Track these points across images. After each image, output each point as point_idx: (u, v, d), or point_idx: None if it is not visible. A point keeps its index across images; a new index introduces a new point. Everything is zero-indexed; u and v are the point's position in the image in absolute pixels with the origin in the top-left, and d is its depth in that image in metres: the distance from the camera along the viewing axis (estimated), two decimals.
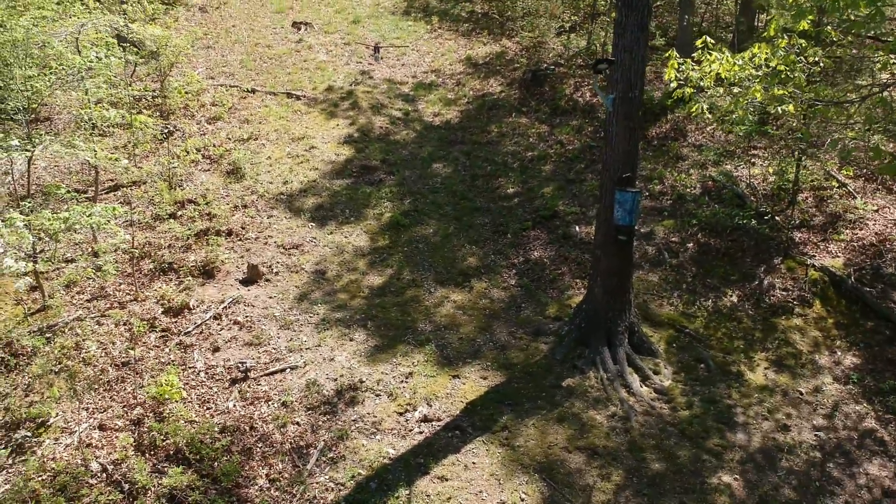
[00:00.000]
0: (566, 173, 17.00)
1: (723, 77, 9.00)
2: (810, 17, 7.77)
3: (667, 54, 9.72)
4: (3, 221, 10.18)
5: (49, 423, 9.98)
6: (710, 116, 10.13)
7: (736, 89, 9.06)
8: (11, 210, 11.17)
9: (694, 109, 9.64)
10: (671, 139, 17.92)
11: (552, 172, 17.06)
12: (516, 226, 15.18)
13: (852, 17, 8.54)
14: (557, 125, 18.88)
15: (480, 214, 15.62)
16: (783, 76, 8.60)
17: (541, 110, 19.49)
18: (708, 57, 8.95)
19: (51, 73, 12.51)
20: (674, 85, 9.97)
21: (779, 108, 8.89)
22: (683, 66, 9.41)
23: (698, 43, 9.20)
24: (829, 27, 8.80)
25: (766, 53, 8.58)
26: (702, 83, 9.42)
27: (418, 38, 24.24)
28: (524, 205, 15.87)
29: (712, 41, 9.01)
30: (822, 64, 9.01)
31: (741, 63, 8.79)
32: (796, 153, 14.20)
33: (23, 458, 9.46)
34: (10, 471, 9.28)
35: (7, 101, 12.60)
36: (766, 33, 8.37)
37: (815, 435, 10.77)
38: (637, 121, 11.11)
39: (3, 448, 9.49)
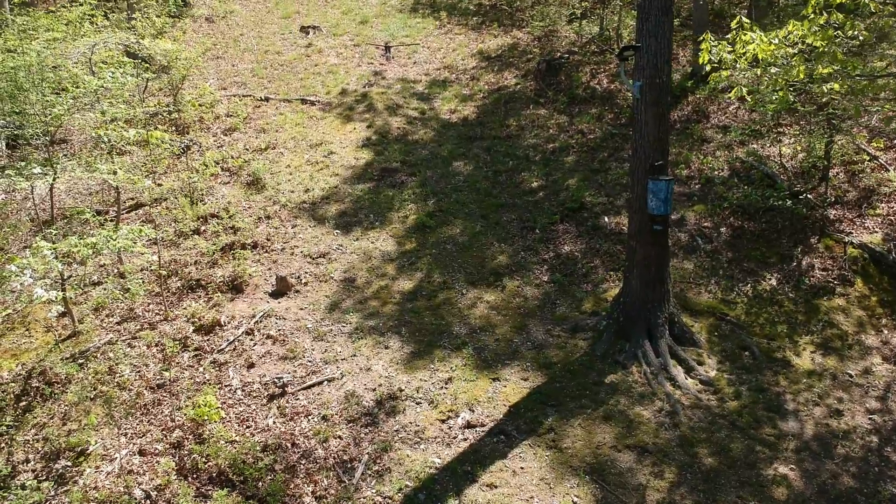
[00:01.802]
0: (590, 163, 16.69)
1: (759, 58, 8.67)
2: None
3: (700, 38, 9.41)
4: (30, 251, 10.03)
5: (89, 451, 9.85)
6: (749, 99, 9.79)
7: (773, 69, 8.76)
8: (37, 238, 11.03)
9: (733, 94, 9.32)
10: (694, 121, 17.59)
11: (575, 163, 16.76)
12: (544, 220, 14.89)
13: None
14: (577, 114, 18.57)
15: (506, 211, 15.35)
16: (821, 52, 8.28)
17: (558, 100, 19.17)
18: (742, 37, 8.64)
19: (68, 97, 12.32)
20: (708, 68, 9.68)
21: (823, 87, 8.58)
22: (717, 48, 9.09)
23: (733, 24, 8.88)
24: None
25: (803, 31, 8.27)
26: (737, 65, 9.10)
27: (428, 34, 23.97)
28: (550, 198, 15.58)
29: (747, 20, 8.68)
30: (861, 37, 8.68)
31: (777, 42, 8.47)
32: (827, 128, 13.83)
33: (65, 488, 9.34)
34: (53, 503, 9.16)
35: (25, 128, 12.44)
36: (804, 11, 8.05)
37: (870, 419, 10.46)
38: (666, 107, 10.84)
39: (45, 480, 9.37)
